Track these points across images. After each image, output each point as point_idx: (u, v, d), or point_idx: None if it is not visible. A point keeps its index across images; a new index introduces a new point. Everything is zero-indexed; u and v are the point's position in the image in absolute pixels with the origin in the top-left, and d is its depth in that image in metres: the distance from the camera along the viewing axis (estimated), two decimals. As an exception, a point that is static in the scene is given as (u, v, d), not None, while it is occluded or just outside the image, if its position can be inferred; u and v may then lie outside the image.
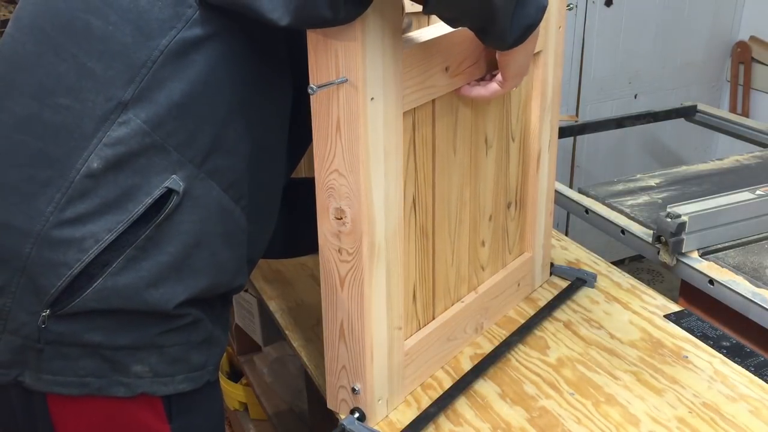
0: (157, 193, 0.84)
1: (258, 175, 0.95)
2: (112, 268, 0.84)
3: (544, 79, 1.21)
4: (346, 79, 0.83)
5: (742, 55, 2.99)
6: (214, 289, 0.93)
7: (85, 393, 0.88)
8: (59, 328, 0.85)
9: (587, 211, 1.66)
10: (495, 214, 1.20)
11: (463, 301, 1.17)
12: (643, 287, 1.37)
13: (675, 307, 1.31)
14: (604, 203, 1.67)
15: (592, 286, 1.36)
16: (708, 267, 1.38)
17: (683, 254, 1.41)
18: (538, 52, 1.17)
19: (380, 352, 0.99)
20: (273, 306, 1.36)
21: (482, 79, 1.05)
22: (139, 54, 0.82)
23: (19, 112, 0.85)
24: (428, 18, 0.99)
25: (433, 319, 1.12)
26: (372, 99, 0.86)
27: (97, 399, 0.89)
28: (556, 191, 1.72)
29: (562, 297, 1.32)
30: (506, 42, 0.92)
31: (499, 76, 1.02)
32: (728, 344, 1.20)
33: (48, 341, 0.85)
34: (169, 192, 0.84)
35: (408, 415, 1.06)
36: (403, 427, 1.03)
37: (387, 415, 1.05)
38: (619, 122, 2.18)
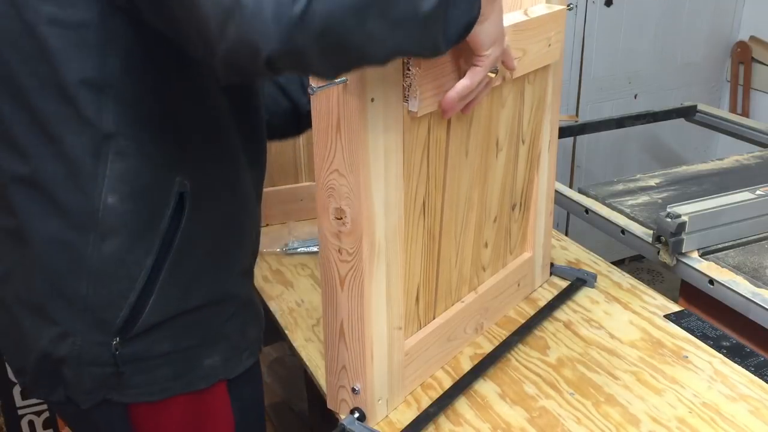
0: (173, 201, 0.86)
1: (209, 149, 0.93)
2: (161, 282, 0.88)
3: (557, 83, 1.23)
4: (347, 80, 0.83)
5: (742, 55, 2.99)
6: (251, 258, 1.01)
7: (169, 396, 0.93)
8: (132, 349, 0.89)
9: (587, 211, 1.66)
10: (500, 216, 1.20)
11: (463, 301, 1.17)
12: (643, 287, 1.37)
13: (675, 307, 1.31)
14: (604, 203, 1.67)
15: (593, 286, 1.36)
16: (708, 267, 1.38)
17: (683, 254, 1.41)
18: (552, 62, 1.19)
19: (380, 352, 0.99)
20: (273, 306, 1.36)
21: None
22: (98, 84, 0.81)
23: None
24: None
25: (434, 318, 1.11)
26: (372, 100, 0.85)
27: (174, 397, 0.94)
28: (556, 191, 1.73)
29: (562, 297, 1.32)
30: (443, 49, 0.79)
31: (474, 59, 0.88)
32: (728, 344, 1.20)
33: (125, 362, 0.89)
34: (181, 194, 0.87)
35: (408, 415, 1.06)
36: (403, 427, 1.03)
37: (387, 415, 1.05)
38: (619, 122, 2.17)
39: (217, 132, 0.92)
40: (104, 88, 0.81)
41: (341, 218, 0.92)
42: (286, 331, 1.28)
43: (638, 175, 1.81)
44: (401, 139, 0.93)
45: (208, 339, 0.95)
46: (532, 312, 1.29)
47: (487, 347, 1.21)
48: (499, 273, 1.25)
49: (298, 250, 1.54)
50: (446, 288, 1.12)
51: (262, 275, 1.46)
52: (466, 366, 1.16)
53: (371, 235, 0.92)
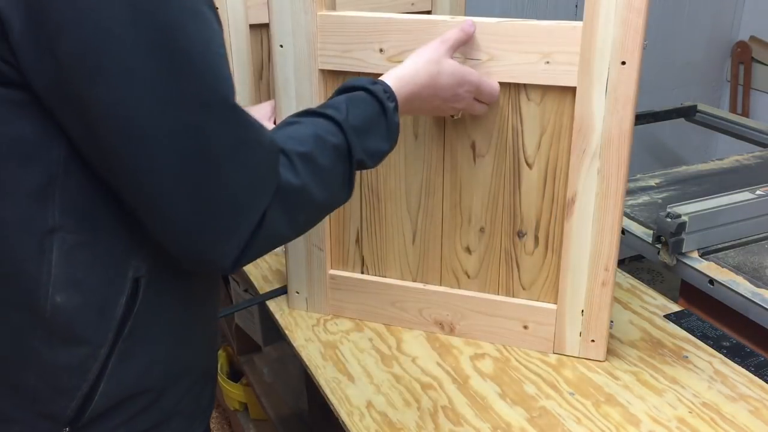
0: (127, 287, 0.77)
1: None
2: (114, 368, 0.79)
3: (582, 116, 1.07)
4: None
5: (742, 55, 2.99)
6: (214, 325, 0.94)
7: None
8: None
9: (587, 211, 1.65)
10: (492, 232, 1.18)
11: (425, 284, 1.24)
12: (643, 287, 1.37)
13: (675, 307, 1.31)
14: (604, 203, 1.67)
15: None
16: (708, 267, 1.38)
17: (683, 254, 1.41)
18: (571, 87, 1.06)
19: (295, 254, 1.27)
20: (273, 306, 1.36)
21: None
22: (38, 179, 0.71)
23: None
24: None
25: (383, 276, 1.27)
26: (281, 46, 1.09)
27: None
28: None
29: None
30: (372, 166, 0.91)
31: None
32: (728, 344, 1.20)
33: None
34: (137, 280, 0.78)
35: (408, 414, 1.06)
36: (403, 427, 1.03)
37: (306, 310, 1.31)
38: (619, 122, 2.17)
39: None
40: (48, 181, 0.72)
41: None
42: (286, 331, 1.28)
43: (638, 175, 1.81)
44: (317, 91, 1.14)
45: (162, 419, 0.86)
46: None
47: (488, 347, 1.21)
48: (495, 295, 1.21)
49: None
50: (400, 257, 1.25)
51: (262, 275, 1.46)
52: (466, 366, 1.16)
53: None
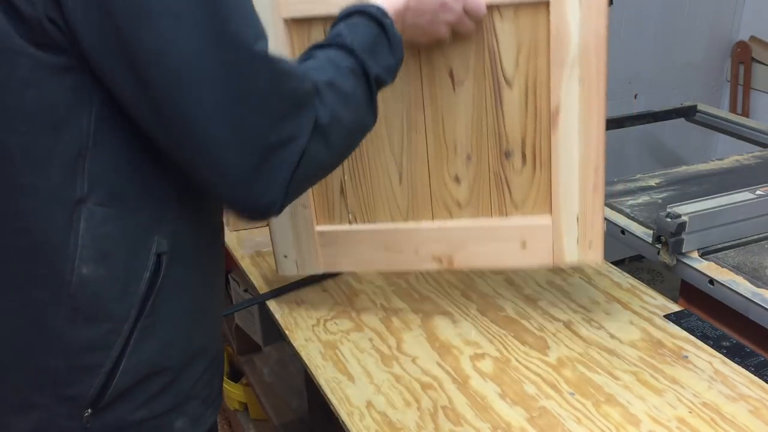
0: (151, 263, 0.80)
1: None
2: (135, 344, 0.81)
3: (558, 27, 1.09)
4: None
5: (742, 55, 2.99)
6: (221, 307, 0.96)
7: None
8: (103, 420, 0.83)
9: (587, 211, 1.65)
10: (479, 157, 1.20)
11: (417, 223, 1.24)
12: (643, 287, 1.37)
13: (675, 307, 1.31)
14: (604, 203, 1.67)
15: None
16: (708, 267, 1.38)
17: (683, 254, 1.41)
18: (543, 2, 1.08)
19: (280, 219, 1.21)
20: (273, 306, 1.36)
21: None
22: (69, 149, 0.75)
23: None
24: None
25: (372, 223, 1.26)
26: None
27: None
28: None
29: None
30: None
31: None
32: (728, 344, 1.20)
33: None
34: (159, 255, 0.81)
35: (408, 415, 1.06)
36: (403, 427, 1.03)
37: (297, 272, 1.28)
38: (619, 122, 2.17)
39: (194, 187, 0.85)
40: (78, 152, 0.75)
41: None
42: (286, 331, 1.28)
43: (638, 175, 1.81)
44: (287, 45, 1.11)
45: (179, 402, 0.88)
46: (532, 312, 1.30)
47: (488, 347, 1.21)
48: (489, 219, 1.23)
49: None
50: (389, 200, 1.25)
51: (262, 275, 1.46)
52: (466, 366, 1.16)
53: None
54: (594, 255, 1.21)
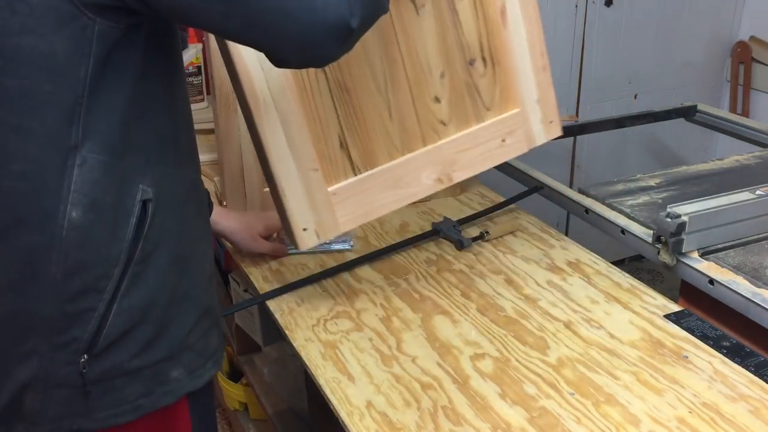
0: (137, 210, 0.85)
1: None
2: (126, 290, 0.86)
3: None
4: None
5: (742, 55, 2.99)
6: (212, 263, 1.00)
7: (139, 415, 0.91)
8: (100, 365, 0.87)
9: (587, 210, 1.66)
10: (450, 72, 1.26)
11: (413, 153, 1.28)
12: (643, 287, 1.37)
13: (675, 307, 1.31)
14: (604, 203, 1.67)
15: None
16: (708, 267, 1.38)
17: (683, 254, 1.41)
18: None
19: (294, 189, 1.20)
20: (273, 306, 1.36)
21: None
22: (66, 96, 0.80)
23: None
24: None
25: (375, 168, 1.27)
26: None
27: (141, 418, 0.91)
28: (556, 191, 1.73)
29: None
30: None
31: None
32: (728, 344, 1.20)
33: (93, 381, 0.87)
34: (144, 203, 0.86)
35: (408, 415, 1.06)
36: (403, 427, 1.03)
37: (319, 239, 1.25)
38: (619, 122, 2.17)
39: (177, 136, 0.92)
40: (75, 101, 0.79)
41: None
42: (286, 331, 1.28)
43: (638, 175, 1.81)
44: None
45: (173, 352, 0.93)
46: (530, 310, 1.30)
47: (488, 347, 1.21)
48: (471, 127, 1.30)
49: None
50: (385, 139, 1.27)
51: (262, 275, 1.46)
52: (466, 366, 1.16)
53: (253, 92, 1.10)
54: (555, 129, 1.37)
